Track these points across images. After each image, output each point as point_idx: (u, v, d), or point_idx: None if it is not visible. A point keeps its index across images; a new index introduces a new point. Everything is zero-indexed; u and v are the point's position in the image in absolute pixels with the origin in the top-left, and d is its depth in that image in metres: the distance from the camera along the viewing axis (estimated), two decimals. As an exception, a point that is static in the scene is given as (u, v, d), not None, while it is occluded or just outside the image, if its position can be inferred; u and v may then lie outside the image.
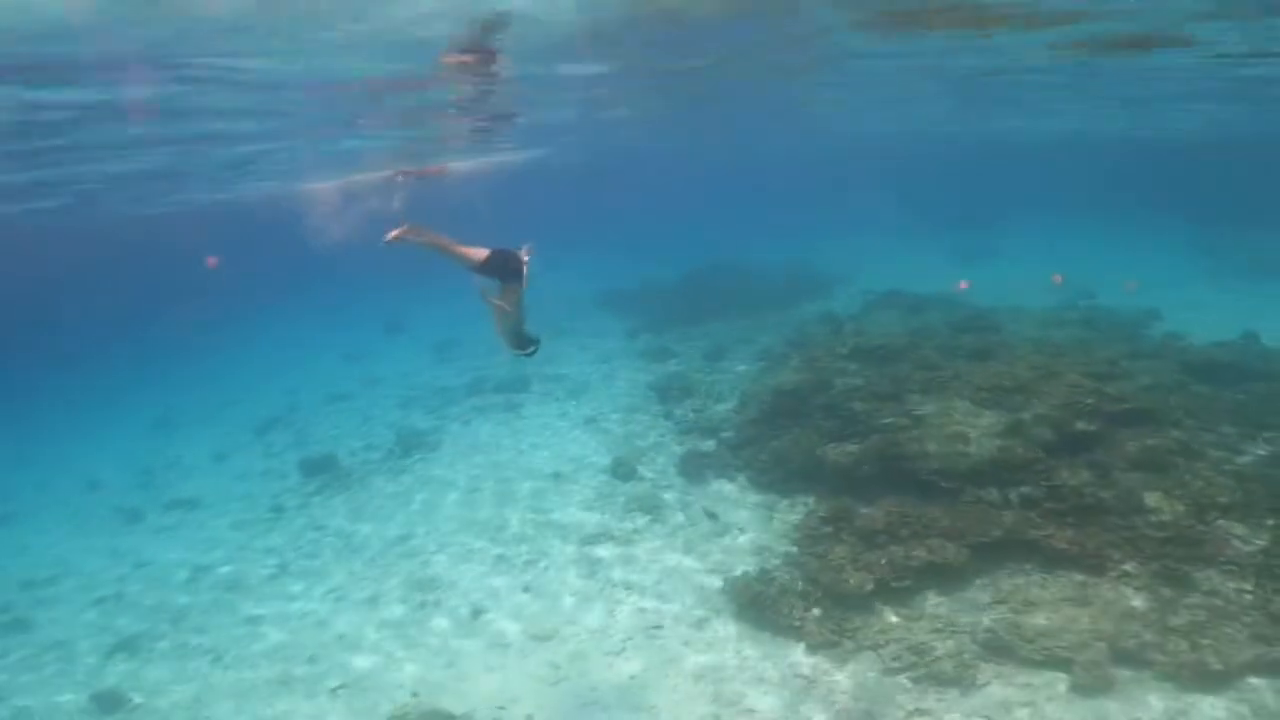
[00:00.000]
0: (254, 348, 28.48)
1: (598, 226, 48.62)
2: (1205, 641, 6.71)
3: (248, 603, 11.36)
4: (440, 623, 10.04)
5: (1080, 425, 8.79)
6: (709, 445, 13.62)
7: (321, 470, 15.45)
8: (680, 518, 11.61)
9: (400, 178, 10.06)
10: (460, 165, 18.67)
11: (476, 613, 10.14)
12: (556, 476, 13.71)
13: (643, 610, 9.59)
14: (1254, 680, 6.65)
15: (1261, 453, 8.67)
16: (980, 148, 43.53)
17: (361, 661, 9.51)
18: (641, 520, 11.75)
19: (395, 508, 13.57)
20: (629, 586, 10.12)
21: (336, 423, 18.74)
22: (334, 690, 9.05)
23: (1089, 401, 8.92)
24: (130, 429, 20.78)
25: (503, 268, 7.07)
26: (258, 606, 11.20)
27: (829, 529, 9.62)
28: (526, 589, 10.50)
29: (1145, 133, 31.55)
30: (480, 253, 7.03)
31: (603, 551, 11.07)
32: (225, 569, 12.50)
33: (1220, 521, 7.51)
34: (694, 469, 12.87)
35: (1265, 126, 26.30)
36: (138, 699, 9.55)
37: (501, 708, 8.25)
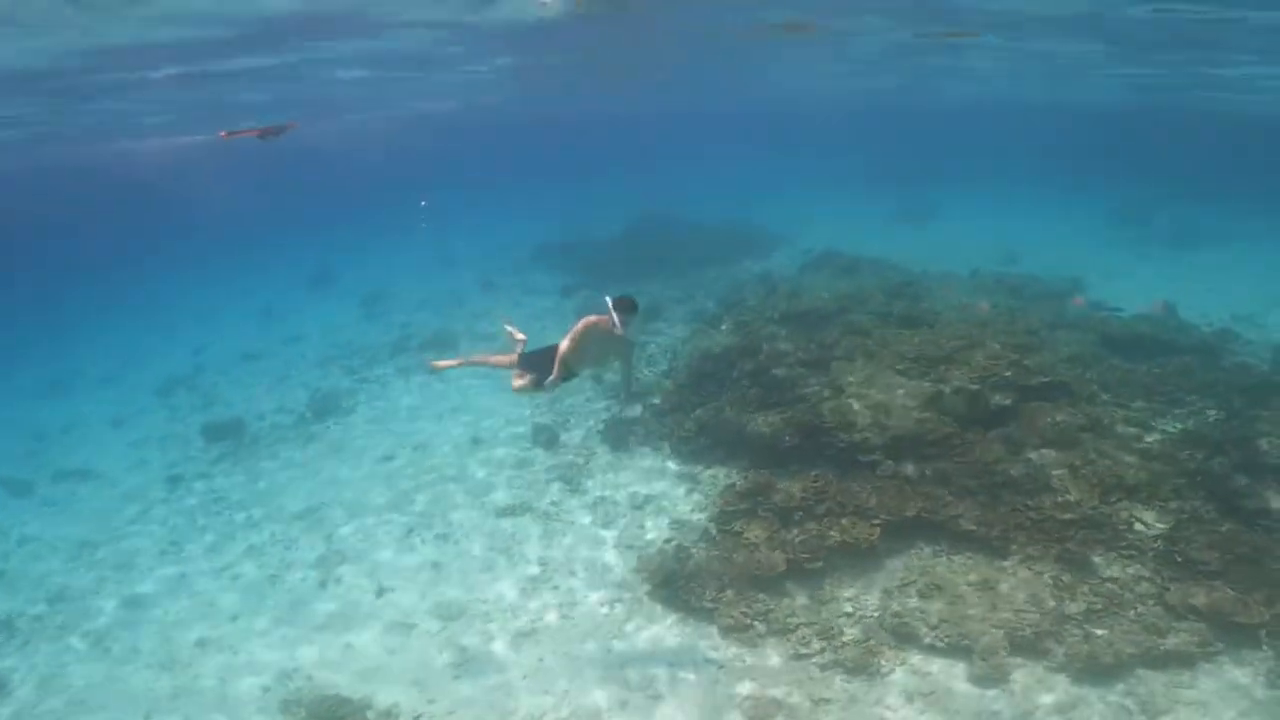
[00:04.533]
0: (162, 303, 26.65)
1: (539, 177, 47.07)
2: (1099, 632, 6.64)
3: (134, 581, 10.59)
4: (342, 602, 9.50)
5: (997, 399, 8.62)
6: (635, 411, 13.19)
7: (226, 436, 14.52)
8: (600, 490, 11.22)
9: (264, 136, 9.18)
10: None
11: (381, 590, 9.64)
12: (476, 443, 13.15)
13: (555, 588, 9.22)
14: (1143, 672, 6.58)
15: (1170, 430, 8.64)
16: (921, 111, 43.42)
17: (254, 644, 8.93)
18: (560, 491, 11.32)
19: (303, 477, 12.83)
20: (543, 563, 9.73)
21: (247, 384, 17.65)
22: (221, 675, 8.48)
23: (1007, 374, 8.75)
24: (22, 391, 19.23)
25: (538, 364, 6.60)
26: (145, 585, 10.46)
27: (746, 505, 9.35)
28: (436, 565, 10.02)
29: (1074, 98, 31.90)
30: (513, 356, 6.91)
31: (518, 525, 10.63)
32: (113, 545, 11.65)
33: (1124, 504, 7.44)
34: (618, 437, 12.45)
35: (1190, 95, 26.72)
36: (10, 683, 8.82)
37: (401, 691, 7.84)
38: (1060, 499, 7.41)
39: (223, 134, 9.83)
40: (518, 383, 6.66)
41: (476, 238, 30.49)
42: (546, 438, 12.77)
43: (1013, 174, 34.82)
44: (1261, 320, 15.06)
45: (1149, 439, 8.28)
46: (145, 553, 11.27)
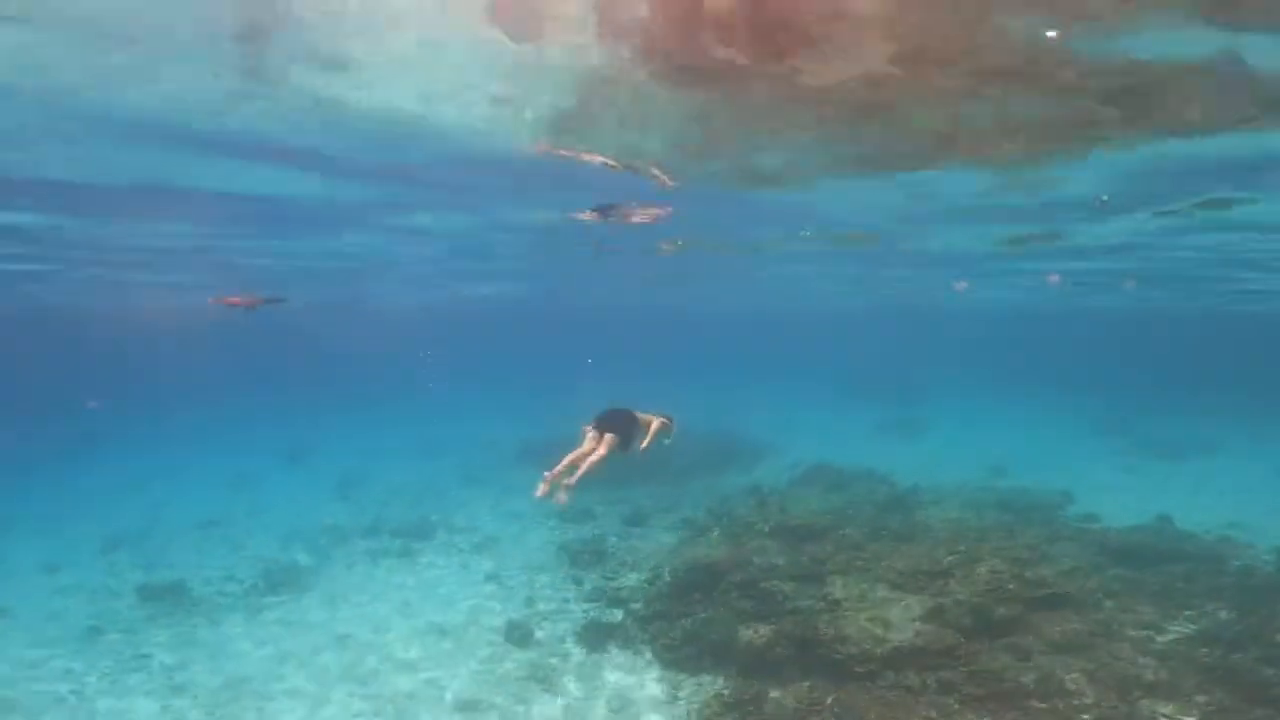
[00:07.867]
0: (127, 459, 25.72)
1: (522, 369, 48.28)
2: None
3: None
4: (262, 788, 8.15)
5: (1001, 610, 8.49)
6: (616, 615, 12.49)
7: (163, 597, 13.29)
8: (575, 691, 10.25)
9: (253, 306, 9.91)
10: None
11: (312, 780, 8.32)
12: (442, 633, 12.17)
13: (516, 795, 8.05)
14: None
15: (1184, 631, 8.59)
16: (910, 323, 45.72)
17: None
18: (532, 691, 10.31)
19: (242, 647, 11.58)
20: (504, 765, 8.58)
21: (200, 550, 16.52)
22: None
23: (1010, 587, 8.73)
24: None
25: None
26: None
27: (734, 715, 8.65)
28: (380, 757, 8.78)
29: (1060, 310, 34.31)
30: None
31: (480, 722, 9.52)
32: (3, 686, 10.17)
33: (1144, 701, 7.12)
34: (596, 639, 11.64)
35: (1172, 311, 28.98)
36: None
37: None
38: (1077, 701, 7.02)
39: (213, 300, 10.27)
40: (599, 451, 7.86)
41: (461, 428, 30.59)
42: (520, 634, 11.90)
43: (997, 382, 35.86)
44: (1257, 527, 14.77)
45: (1162, 640, 8.22)
46: (39, 697, 9.81)
